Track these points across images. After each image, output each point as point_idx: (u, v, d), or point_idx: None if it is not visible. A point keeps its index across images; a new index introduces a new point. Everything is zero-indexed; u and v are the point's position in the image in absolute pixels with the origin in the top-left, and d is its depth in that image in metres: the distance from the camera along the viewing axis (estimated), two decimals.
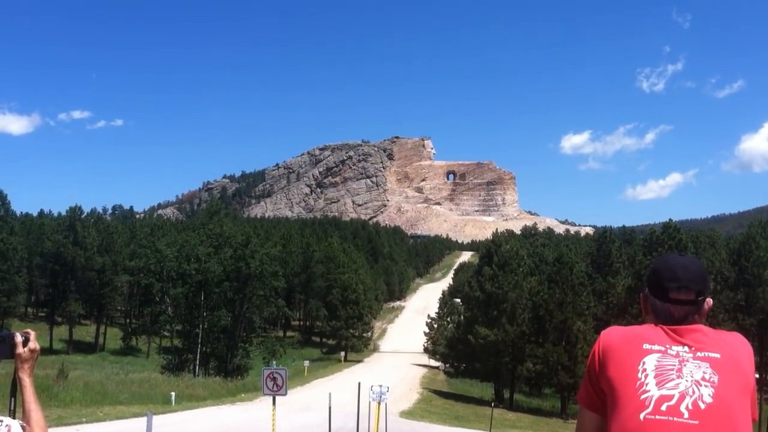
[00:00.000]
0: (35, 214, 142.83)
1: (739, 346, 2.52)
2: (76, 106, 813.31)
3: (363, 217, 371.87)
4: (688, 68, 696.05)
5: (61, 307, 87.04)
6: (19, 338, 2.64)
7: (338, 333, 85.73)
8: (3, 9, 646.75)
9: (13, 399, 2.61)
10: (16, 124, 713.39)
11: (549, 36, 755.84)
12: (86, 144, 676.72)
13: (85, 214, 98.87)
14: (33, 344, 2.66)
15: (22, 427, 2.46)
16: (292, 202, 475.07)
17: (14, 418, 2.54)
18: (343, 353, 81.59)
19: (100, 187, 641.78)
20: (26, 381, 2.60)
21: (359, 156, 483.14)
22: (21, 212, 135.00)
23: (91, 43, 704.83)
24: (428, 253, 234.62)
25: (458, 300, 79.86)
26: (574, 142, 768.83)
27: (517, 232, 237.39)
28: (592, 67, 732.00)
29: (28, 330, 2.70)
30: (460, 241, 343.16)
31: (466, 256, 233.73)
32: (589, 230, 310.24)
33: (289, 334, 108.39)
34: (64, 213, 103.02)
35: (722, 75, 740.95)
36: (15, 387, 2.61)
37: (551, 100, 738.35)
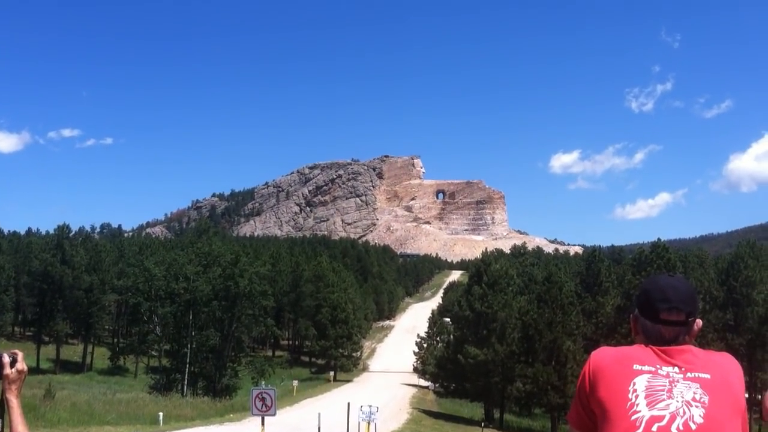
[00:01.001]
0: (23, 232, 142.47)
1: (729, 367, 2.52)
2: (66, 125, 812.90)
3: (352, 236, 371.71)
4: (677, 88, 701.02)
5: (48, 326, 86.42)
6: (6, 359, 2.62)
7: (327, 352, 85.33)
8: None
9: (0, 420, 2.59)
10: (5, 142, 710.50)
11: (539, 54, 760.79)
12: (75, 162, 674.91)
13: (73, 232, 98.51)
14: (21, 365, 2.64)
15: None
16: (281, 221, 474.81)
17: None
18: (332, 373, 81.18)
19: (89, 205, 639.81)
20: (14, 402, 2.58)
21: (349, 175, 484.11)
22: (8, 230, 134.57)
23: (81, 60, 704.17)
24: (417, 273, 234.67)
25: (447, 319, 79.73)
26: (563, 161, 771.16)
27: (507, 251, 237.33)
28: (582, 86, 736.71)
29: (16, 351, 2.68)
30: (449, 260, 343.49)
31: (455, 276, 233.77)
32: (578, 249, 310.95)
33: (278, 353, 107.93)
34: (51, 231, 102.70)
35: (711, 95, 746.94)
36: (2, 408, 2.59)
37: (541, 120, 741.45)
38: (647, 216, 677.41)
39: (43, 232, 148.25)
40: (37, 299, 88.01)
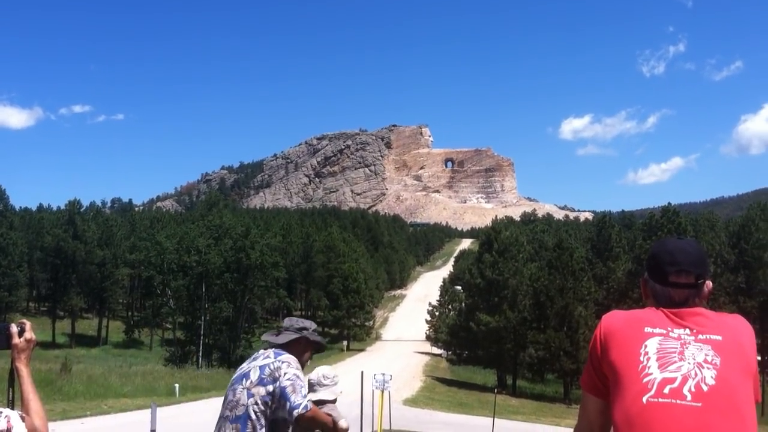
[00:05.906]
0: (34, 208, 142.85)
1: (740, 329, 2.51)
2: (77, 101, 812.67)
3: (362, 206, 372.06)
4: (689, 49, 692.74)
5: (62, 301, 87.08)
6: (14, 329, 2.65)
7: (340, 322, 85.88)
8: (4, 1, 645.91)
9: (10, 389, 2.61)
10: (16, 118, 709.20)
11: (549, 19, 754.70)
12: (86, 138, 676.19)
13: (84, 207, 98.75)
14: (29, 334, 2.67)
15: (21, 418, 2.46)
16: (290, 193, 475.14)
17: (13, 408, 2.53)
18: (345, 342, 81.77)
19: (99, 180, 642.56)
20: (24, 371, 2.61)
21: (357, 145, 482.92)
22: (20, 206, 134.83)
23: (93, 36, 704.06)
24: (428, 241, 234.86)
25: (459, 287, 79.99)
26: (574, 125, 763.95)
27: (517, 218, 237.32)
28: (595, 49, 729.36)
29: (24, 320, 2.72)
30: (459, 229, 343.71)
31: (466, 244, 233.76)
32: (589, 215, 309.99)
33: None
34: (63, 207, 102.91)
35: (722, 55, 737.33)
36: (12, 377, 2.61)
37: (551, 85, 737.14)
38: (658, 180, 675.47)
39: (55, 208, 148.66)
40: (51, 274, 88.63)
